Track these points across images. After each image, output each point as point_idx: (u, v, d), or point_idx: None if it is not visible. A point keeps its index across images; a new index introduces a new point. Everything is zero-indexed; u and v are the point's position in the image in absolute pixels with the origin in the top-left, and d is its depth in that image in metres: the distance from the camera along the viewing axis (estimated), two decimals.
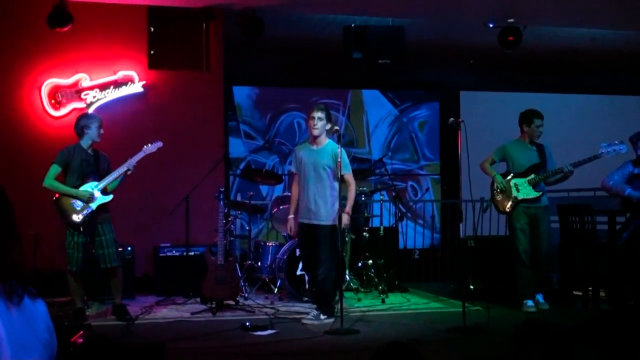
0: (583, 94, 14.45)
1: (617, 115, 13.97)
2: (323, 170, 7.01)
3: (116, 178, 7.10)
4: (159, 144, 7.34)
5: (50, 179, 7.01)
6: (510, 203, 7.77)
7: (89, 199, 6.95)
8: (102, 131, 7.14)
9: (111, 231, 7.12)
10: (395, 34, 9.45)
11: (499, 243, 8.83)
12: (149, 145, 7.27)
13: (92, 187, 7.02)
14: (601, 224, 8.37)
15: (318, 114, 6.99)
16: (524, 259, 7.71)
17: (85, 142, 7.09)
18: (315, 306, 7.18)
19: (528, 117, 7.84)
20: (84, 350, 2.97)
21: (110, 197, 7.10)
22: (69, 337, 4.49)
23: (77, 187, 7.01)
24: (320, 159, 7.02)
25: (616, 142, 7.60)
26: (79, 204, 6.97)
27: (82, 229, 6.98)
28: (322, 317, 6.92)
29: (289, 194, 7.85)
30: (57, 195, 7.02)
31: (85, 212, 6.96)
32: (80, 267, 7.01)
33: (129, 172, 7.12)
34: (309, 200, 7.06)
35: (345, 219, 6.94)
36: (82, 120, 7.17)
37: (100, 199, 7.02)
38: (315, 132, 7.02)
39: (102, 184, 7.04)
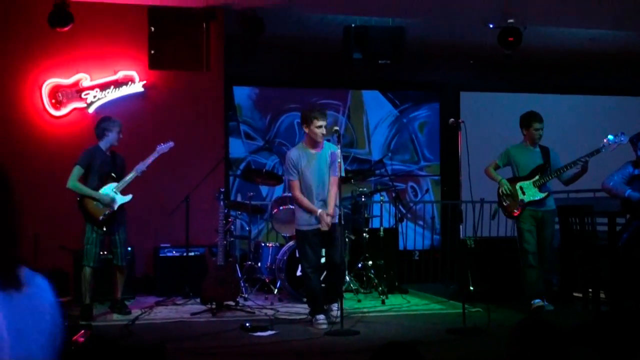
0: (583, 95, 14.44)
1: (616, 116, 13.95)
2: (327, 172, 6.97)
3: (133, 178, 7.39)
4: (171, 144, 7.63)
5: (74, 181, 7.22)
6: (518, 207, 7.72)
7: (109, 203, 7.20)
8: (121, 136, 7.41)
9: (124, 232, 7.44)
10: (395, 35, 9.44)
11: (499, 244, 8.83)
12: (162, 145, 7.60)
13: (112, 189, 7.27)
14: (601, 225, 8.36)
15: (325, 122, 6.90)
16: (531, 260, 7.60)
17: (104, 144, 7.36)
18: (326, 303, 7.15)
19: (527, 120, 7.80)
20: (84, 349, 2.96)
21: (130, 197, 7.41)
22: (70, 336, 4.50)
23: (98, 187, 7.26)
24: (322, 161, 6.96)
25: (619, 133, 7.53)
26: (101, 204, 7.22)
27: (105, 228, 7.24)
28: None
29: (289, 194, 7.78)
30: (80, 197, 7.24)
31: (107, 212, 7.22)
32: (97, 262, 7.23)
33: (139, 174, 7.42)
34: (317, 204, 6.91)
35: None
36: (104, 122, 7.41)
37: (121, 199, 7.32)
38: (321, 138, 6.93)
39: (121, 185, 7.30)
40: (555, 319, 7.04)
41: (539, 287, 7.70)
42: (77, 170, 7.21)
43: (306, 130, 6.93)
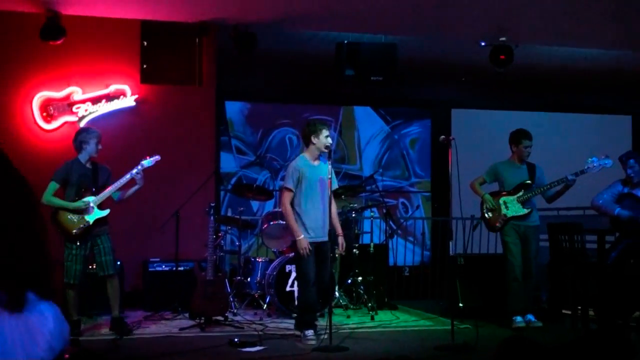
0: (574, 113, 14.51)
1: (607, 135, 14.03)
2: (326, 184, 6.95)
3: (121, 189, 7.25)
4: (157, 158, 7.43)
5: (49, 196, 7.07)
6: (500, 221, 7.80)
7: (85, 209, 7.04)
8: (100, 146, 7.29)
9: (108, 240, 7.24)
10: (387, 51, 9.49)
11: (488, 261, 8.84)
12: (147, 158, 7.35)
13: (89, 201, 7.12)
14: (590, 242, 8.39)
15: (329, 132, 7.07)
16: (516, 273, 7.71)
17: (83, 157, 7.24)
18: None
19: (517, 137, 7.89)
20: None
21: (107, 212, 7.20)
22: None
23: (75, 201, 7.11)
24: (324, 174, 6.94)
25: (602, 156, 7.63)
26: (75, 217, 7.07)
27: (79, 243, 7.06)
28: None
29: (280, 210, 7.82)
30: (53, 210, 7.08)
31: (82, 226, 7.06)
32: (78, 279, 7.09)
33: (137, 186, 7.24)
34: (322, 217, 6.94)
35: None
36: (80, 135, 7.30)
37: (97, 213, 7.14)
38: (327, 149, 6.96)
39: (98, 199, 7.14)
40: (543, 336, 7.05)
41: (522, 302, 7.77)
42: (51, 186, 7.08)
43: (314, 142, 6.93)
